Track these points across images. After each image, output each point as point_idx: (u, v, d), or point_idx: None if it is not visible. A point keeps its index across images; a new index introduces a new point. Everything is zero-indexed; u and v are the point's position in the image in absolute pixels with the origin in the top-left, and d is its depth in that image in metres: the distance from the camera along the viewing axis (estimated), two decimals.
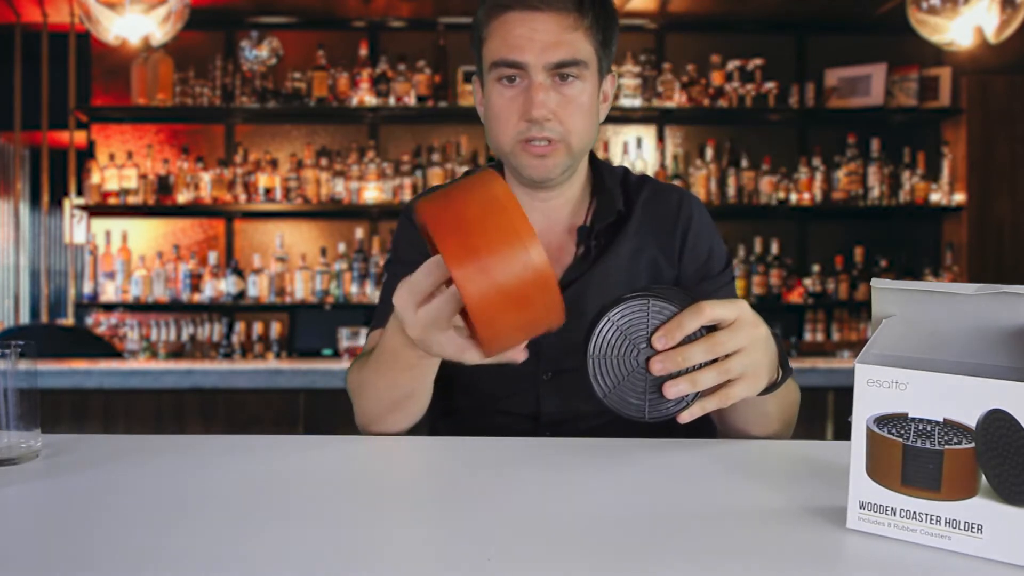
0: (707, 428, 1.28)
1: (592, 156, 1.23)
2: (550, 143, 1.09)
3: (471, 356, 0.81)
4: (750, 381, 0.82)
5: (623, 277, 1.16)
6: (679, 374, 0.79)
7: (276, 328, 4.10)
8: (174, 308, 4.10)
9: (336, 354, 3.86)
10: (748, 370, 0.81)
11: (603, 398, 0.80)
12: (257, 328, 4.07)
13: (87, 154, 4.13)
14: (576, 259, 1.16)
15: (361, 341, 3.21)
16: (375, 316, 1.20)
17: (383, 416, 1.03)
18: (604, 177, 1.21)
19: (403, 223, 1.25)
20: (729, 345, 0.79)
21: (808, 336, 4.15)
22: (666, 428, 1.20)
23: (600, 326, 0.79)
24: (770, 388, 0.88)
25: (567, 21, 1.07)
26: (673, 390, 0.78)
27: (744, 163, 4.10)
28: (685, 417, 0.80)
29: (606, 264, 1.16)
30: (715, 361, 0.80)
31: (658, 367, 0.77)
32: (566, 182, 1.17)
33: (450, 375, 1.24)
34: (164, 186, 4.01)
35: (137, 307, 4.06)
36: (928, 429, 0.64)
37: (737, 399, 0.81)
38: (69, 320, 4.36)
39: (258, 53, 3.97)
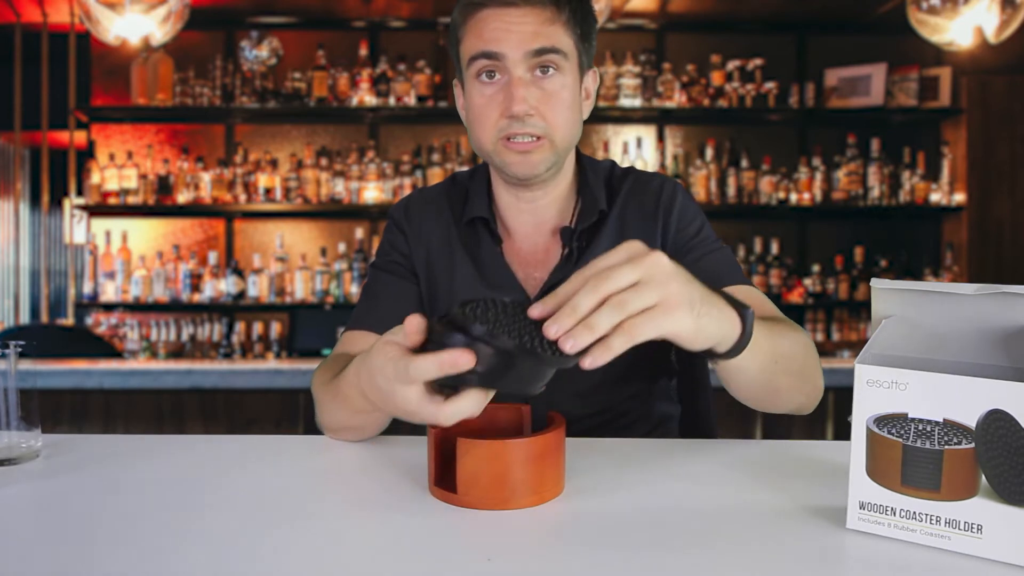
0: (707, 428, 1.28)
1: (578, 154, 1.20)
2: (536, 139, 1.06)
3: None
4: (664, 312, 0.68)
5: None
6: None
7: (276, 328, 4.10)
8: (174, 308, 4.09)
9: None
10: (661, 300, 0.68)
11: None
12: (257, 328, 4.07)
13: (87, 154, 4.12)
14: (561, 260, 1.14)
15: None
16: (353, 316, 1.17)
17: (340, 432, 1.01)
18: (588, 176, 1.18)
19: (389, 226, 1.23)
20: (617, 279, 0.67)
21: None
22: (663, 430, 1.21)
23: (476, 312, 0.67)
24: (732, 352, 0.78)
25: (544, 15, 1.04)
26: (570, 343, 0.65)
27: (744, 163, 4.10)
28: (588, 362, 0.67)
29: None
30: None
31: (553, 329, 0.66)
32: (552, 180, 1.14)
33: None
34: (164, 186, 4.01)
35: (137, 307, 4.06)
36: (928, 429, 0.64)
37: (650, 334, 0.68)
38: (69, 320, 4.35)
39: (258, 53, 3.97)
